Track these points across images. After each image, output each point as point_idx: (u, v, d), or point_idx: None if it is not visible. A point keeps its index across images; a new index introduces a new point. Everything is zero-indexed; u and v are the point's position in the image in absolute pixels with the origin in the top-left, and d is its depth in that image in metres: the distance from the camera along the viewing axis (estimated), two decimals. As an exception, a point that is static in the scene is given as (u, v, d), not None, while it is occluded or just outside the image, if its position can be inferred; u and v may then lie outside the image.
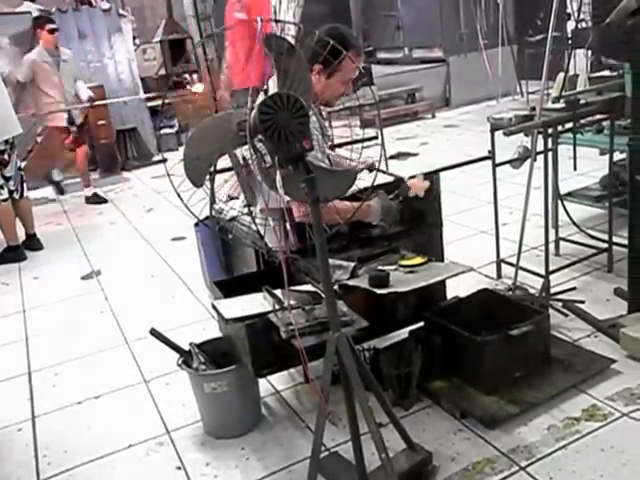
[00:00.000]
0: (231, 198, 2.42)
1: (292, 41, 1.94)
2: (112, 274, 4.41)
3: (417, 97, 9.51)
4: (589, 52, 4.39)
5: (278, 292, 2.23)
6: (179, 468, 2.30)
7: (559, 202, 3.58)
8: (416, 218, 2.76)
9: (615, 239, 3.36)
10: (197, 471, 2.26)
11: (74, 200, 6.98)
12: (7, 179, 4.87)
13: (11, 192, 4.93)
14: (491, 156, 3.26)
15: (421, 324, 2.58)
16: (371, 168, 2.51)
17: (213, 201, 2.57)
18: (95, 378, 2.99)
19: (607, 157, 3.42)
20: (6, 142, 4.80)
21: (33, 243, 5.22)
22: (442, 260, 2.74)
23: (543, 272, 3.10)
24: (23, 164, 5.08)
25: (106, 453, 2.43)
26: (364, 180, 2.06)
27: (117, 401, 2.79)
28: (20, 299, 4.18)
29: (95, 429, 2.61)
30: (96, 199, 6.60)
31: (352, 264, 2.38)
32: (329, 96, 2.53)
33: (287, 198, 1.84)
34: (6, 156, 4.83)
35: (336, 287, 2.17)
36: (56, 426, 2.66)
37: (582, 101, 3.13)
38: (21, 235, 5.16)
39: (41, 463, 2.43)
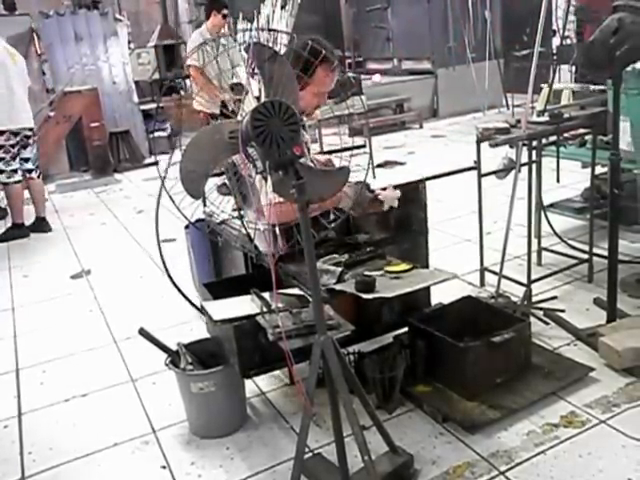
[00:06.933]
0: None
1: (284, 49, 1.99)
2: (102, 274, 4.43)
3: (405, 107, 9.60)
4: (573, 67, 4.49)
5: (266, 295, 2.27)
6: (164, 467, 2.31)
7: (542, 213, 3.64)
8: (402, 225, 2.81)
9: (595, 250, 3.41)
10: (182, 470, 2.28)
11: (65, 200, 6.99)
12: (25, 160, 5.42)
13: (29, 171, 5.50)
14: (477, 166, 3.31)
15: (405, 329, 2.62)
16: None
17: (204, 204, 2.61)
18: (82, 376, 3.00)
19: (589, 170, 3.49)
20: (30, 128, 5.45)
21: (42, 226, 5.64)
22: (427, 267, 2.78)
23: (525, 281, 3.16)
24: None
25: (92, 451, 2.44)
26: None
27: (104, 400, 2.81)
28: (9, 297, 4.18)
29: (81, 427, 2.62)
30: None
31: (339, 269, 2.41)
32: (302, 107, 2.54)
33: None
34: (30, 140, 5.44)
35: (323, 291, 2.21)
36: (42, 423, 2.67)
37: (566, 115, 3.20)
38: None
39: (26, 460, 2.44)
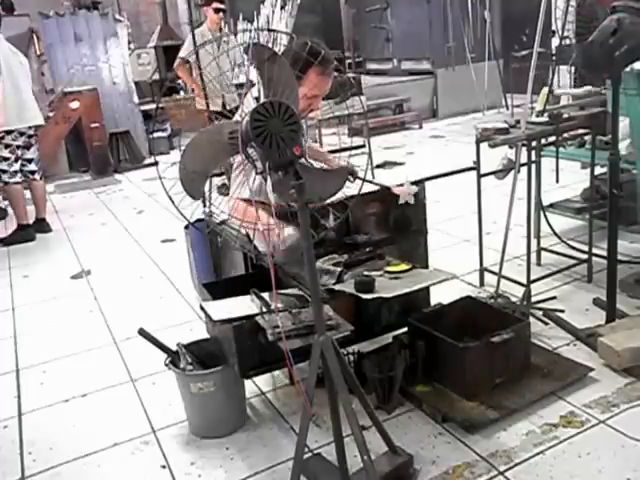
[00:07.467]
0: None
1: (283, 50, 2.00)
2: (102, 274, 4.44)
3: (405, 108, 9.62)
4: (572, 68, 4.50)
5: (265, 295, 2.27)
6: (164, 467, 2.32)
7: (541, 213, 3.64)
8: (402, 226, 2.82)
9: (595, 250, 3.41)
10: (182, 470, 2.29)
11: (65, 200, 7.00)
12: (29, 161, 5.41)
13: (32, 172, 5.48)
14: (476, 167, 3.32)
15: (405, 329, 2.62)
16: (355, 176, 2.54)
17: (204, 204, 2.62)
18: (82, 377, 3.01)
19: (588, 171, 3.50)
20: (33, 127, 5.42)
21: (42, 227, 5.61)
22: (426, 267, 2.79)
23: (524, 281, 3.15)
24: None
25: (91, 451, 2.45)
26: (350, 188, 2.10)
27: (104, 400, 2.81)
28: (9, 297, 4.19)
29: (81, 427, 2.62)
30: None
31: (338, 269, 2.42)
32: None
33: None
34: (33, 140, 5.36)
35: (322, 291, 2.21)
36: (42, 424, 2.68)
37: (565, 115, 3.20)
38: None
39: (26, 460, 2.44)
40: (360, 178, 2.32)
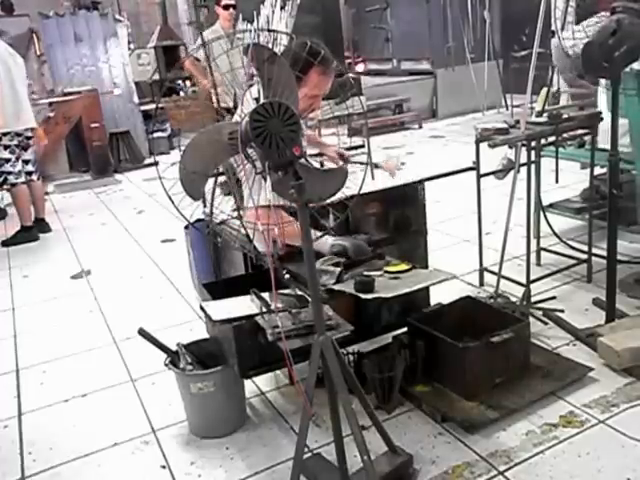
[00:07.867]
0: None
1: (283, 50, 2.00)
2: (102, 274, 4.44)
3: (404, 108, 9.62)
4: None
5: (265, 295, 2.28)
6: (164, 467, 2.32)
7: (541, 213, 3.65)
8: (401, 226, 2.82)
9: (594, 250, 3.42)
10: (182, 470, 2.29)
11: (65, 200, 7.00)
12: (26, 162, 5.43)
13: (29, 173, 5.49)
14: (476, 167, 3.32)
15: (405, 329, 2.62)
16: (345, 159, 2.54)
17: (204, 204, 2.62)
18: (82, 377, 3.01)
19: (588, 171, 3.50)
20: (29, 129, 5.45)
21: (41, 227, 5.61)
22: (426, 267, 2.79)
23: (524, 281, 3.16)
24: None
25: (91, 451, 2.45)
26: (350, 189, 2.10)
27: (104, 400, 2.81)
28: (9, 297, 4.20)
29: (81, 427, 2.63)
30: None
31: (338, 269, 2.42)
32: None
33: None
34: (31, 142, 5.48)
35: (322, 291, 2.21)
36: (42, 423, 2.68)
37: (565, 115, 3.21)
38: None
39: (26, 460, 2.44)
40: (351, 161, 2.32)
